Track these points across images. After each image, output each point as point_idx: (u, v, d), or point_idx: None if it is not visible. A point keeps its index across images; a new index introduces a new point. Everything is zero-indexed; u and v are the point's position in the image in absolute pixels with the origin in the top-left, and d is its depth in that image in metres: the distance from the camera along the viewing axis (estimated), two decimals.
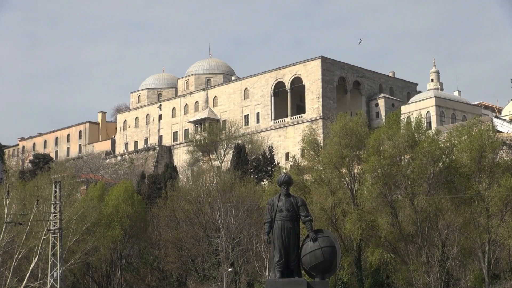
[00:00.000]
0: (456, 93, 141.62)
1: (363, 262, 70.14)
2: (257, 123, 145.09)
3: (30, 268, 67.63)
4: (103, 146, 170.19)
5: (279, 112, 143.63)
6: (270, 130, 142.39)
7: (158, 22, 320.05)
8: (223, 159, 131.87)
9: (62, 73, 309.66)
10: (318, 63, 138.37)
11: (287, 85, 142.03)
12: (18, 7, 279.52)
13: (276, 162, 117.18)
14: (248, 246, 78.42)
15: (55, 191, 65.29)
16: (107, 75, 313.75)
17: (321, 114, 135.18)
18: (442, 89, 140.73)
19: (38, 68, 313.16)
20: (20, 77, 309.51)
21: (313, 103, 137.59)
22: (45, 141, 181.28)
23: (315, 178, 71.60)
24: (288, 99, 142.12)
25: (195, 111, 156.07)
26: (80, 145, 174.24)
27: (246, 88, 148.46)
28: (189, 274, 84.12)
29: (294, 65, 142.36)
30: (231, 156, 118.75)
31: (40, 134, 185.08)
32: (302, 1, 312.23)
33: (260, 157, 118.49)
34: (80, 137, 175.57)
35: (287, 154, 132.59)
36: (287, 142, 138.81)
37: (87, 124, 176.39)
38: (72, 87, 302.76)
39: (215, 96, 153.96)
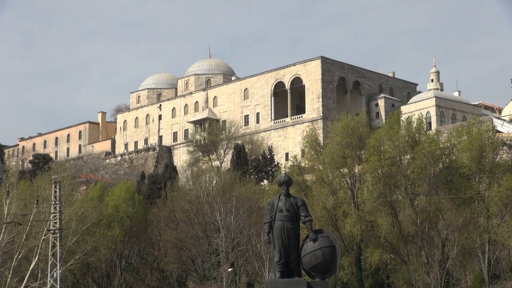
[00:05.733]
0: (456, 93, 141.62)
1: (363, 262, 70.13)
2: (257, 123, 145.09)
3: (30, 268, 67.64)
4: (103, 146, 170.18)
5: (279, 112, 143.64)
6: (270, 130, 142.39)
7: (158, 22, 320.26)
8: (223, 159, 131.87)
9: (60, 73, 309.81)
10: (318, 63, 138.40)
11: (287, 85, 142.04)
12: (14, 6, 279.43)
13: (276, 162, 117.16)
14: (248, 246, 78.39)
15: (55, 191, 65.27)
16: (107, 75, 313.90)
17: (321, 114, 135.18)
18: (442, 89, 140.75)
19: (36, 67, 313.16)
20: (18, 77, 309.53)
21: (313, 103, 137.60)
22: (45, 141, 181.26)
23: (316, 178, 71.64)
24: (288, 99, 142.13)
25: (195, 111, 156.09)
26: (80, 145, 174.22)
27: (246, 88, 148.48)
28: (189, 274, 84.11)
29: (294, 65, 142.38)
30: (231, 156, 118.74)
31: (40, 134, 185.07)
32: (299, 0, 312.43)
33: (260, 157, 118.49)
34: (80, 137, 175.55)
35: (287, 154, 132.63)
36: (287, 142, 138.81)
37: (87, 124, 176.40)
38: (71, 87, 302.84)
39: (215, 96, 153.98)
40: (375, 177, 68.28)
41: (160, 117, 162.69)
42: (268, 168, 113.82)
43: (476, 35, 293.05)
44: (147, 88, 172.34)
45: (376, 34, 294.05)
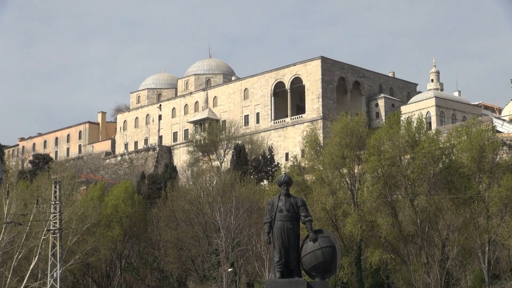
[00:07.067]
0: (456, 93, 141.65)
1: (363, 262, 70.13)
2: (257, 123, 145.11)
3: (30, 268, 67.63)
4: (103, 146, 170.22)
5: (279, 112, 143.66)
6: (270, 130, 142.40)
7: (158, 22, 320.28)
8: (223, 159, 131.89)
9: (60, 73, 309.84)
10: (318, 63, 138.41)
11: (287, 85, 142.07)
12: (14, 5, 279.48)
13: (276, 163, 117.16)
14: (248, 246, 78.39)
15: (55, 191, 65.26)
16: (107, 75, 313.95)
17: (321, 114, 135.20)
18: (442, 89, 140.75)
19: (36, 67, 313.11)
20: (18, 77, 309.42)
21: (313, 103, 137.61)
22: (45, 141, 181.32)
23: (316, 178, 71.62)
24: (288, 99, 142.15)
25: (195, 111, 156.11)
26: (80, 145, 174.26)
27: (246, 88, 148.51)
28: (189, 274, 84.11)
29: (294, 65, 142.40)
30: (231, 156, 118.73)
31: (40, 134, 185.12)
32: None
33: (260, 157, 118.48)
34: (80, 137, 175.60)
35: (287, 154, 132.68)
36: (287, 142, 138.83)
37: (87, 124, 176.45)
38: (71, 87, 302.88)
39: (215, 96, 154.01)
40: (375, 177, 68.29)
41: (160, 117, 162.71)
42: (268, 168, 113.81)
43: (476, 35, 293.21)
44: (147, 88, 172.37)
45: (376, 34, 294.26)
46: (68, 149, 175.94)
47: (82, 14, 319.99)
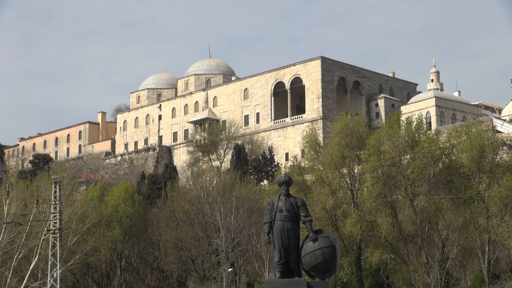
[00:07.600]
0: (456, 93, 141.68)
1: (363, 263, 70.14)
2: (257, 123, 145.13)
3: (30, 268, 67.63)
4: (103, 146, 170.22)
5: (279, 112, 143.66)
6: (270, 130, 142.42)
7: (157, 22, 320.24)
8: (223, 159, 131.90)
9: (60, 73, 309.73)
10: (318, 63, 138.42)
11: (287, 85, 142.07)
12: (13, 6, 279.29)
13: (276, 163, 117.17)
14: (248, 246, 78.41)
15: (55, 191, 65.25)
16: (107, 75, 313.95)
17: (321, 115, 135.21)
18: (442, 89, 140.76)
19: (36, 67, 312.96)
20: (18, 77, 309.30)
21: (313, 104, 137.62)
22: (45, 141, 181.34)
23: (316, 178, 71.64)
24: (288, 99, 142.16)
25: (195, 111, 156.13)
26: (80, 145, 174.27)
27: (246, 88, 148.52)
28: (189, 274, 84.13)
29: (294, 65, 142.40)
30: (231, 156, 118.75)
31: (40, 134, 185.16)
32: None
33: (260, 157, 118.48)
34: (80, 137, 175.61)
35: (287, 154, 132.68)
36: (287, 143, 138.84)
37: (87, 124, 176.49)
38: (71, 87, 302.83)
39: (215, 96, 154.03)
40: (375, 177, 68.29)
41: (160, 117, 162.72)
42: (268, 168, 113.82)
43: (476, 35, 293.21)
44: (147, 88, 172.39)
45: (376, 34, 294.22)
46: (68, 149, 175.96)
47: (82, 14, 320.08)
